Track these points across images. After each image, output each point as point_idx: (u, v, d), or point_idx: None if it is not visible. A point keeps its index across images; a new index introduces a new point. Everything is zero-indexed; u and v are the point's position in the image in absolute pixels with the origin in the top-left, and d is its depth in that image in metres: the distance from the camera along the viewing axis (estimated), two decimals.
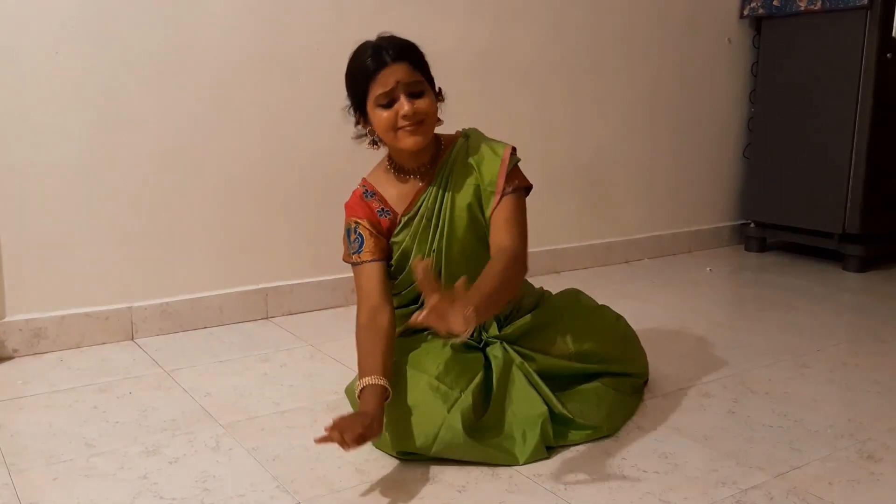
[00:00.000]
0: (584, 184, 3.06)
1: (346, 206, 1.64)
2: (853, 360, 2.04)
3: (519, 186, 1.59)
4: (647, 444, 1.53)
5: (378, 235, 1.60)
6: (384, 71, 1.47)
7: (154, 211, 2.16)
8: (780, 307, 2.56)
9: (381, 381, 1.41)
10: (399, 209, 1.62)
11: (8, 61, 1.92)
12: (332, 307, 2.48)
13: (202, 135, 2.21)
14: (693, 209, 3.44)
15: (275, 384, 1.84)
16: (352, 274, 2.53)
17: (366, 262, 1.59)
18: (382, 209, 1.62)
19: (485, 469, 1.42)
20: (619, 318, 1.87)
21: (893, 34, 2.93)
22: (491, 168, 1.59)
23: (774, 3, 3.22)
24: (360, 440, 1.28)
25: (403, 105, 1.48)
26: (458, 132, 1.68)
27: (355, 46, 1.55)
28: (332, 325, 2.33)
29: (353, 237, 1.61)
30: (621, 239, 3.20)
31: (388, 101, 1.49)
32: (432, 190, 1.60)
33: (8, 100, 1.93)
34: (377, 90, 1.48)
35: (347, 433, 1.27)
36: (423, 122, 1.51)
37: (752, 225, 3.46)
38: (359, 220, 1.60)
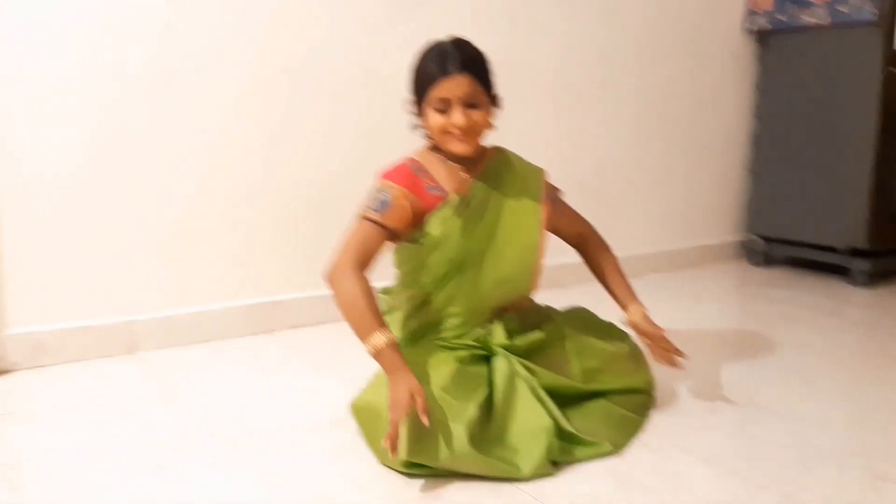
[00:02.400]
0: (589, 199, 3.04)
1: (385, 174, 1.63)
2: (862, 377, 2.02)
3: (558, 192, 1.83)
4: (653, 464, 1.51)
5: (405, 210, 1.59)
6: (445, 80, 1.55)
7: (156, 223, 2.16)
8: (786, 323, 2.54)
9: (390, 334, 1.48)
10: (449, 188, 1.64)
11: (8, 75, 1.92)
12: (335, 321, 2.46)
13: (203, 149, 2.20)
14: (698, 224, 3.43)
15: (277, 399, 1.83)
16: None
17: (378, 224, 1.56)
18: (432, 185, 1.63)
19: (487, 489, 1.40)
20: (625, 335, 1.85)
21: None
22: (537, 184, 1.74)
23: (779, 17, 3.22)
24: (425, 411, 1.38)
25: (457, 116, 1.56)
26: (490, 146, 1.76)
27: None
28: (336, 339, 2.31)
29: (380, 197, 1.59)
30: (626, 254, 3.15)
31: (444, 108, 1.57)
32: (482, 185, 1.66)
33: (7, 114, 1.93)
34: (435, 95, 1.56)
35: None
36: (474, 132, 1.59)
37: (758, 239, 3.44)
38: (394, 185, 1.59)
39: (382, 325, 1.48)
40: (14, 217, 1.96)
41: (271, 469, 1.47)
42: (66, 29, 1.97)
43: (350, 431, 1.63)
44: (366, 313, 1.48)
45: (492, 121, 1.65)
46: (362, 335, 1.49)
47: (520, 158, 1.77)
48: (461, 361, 1.59)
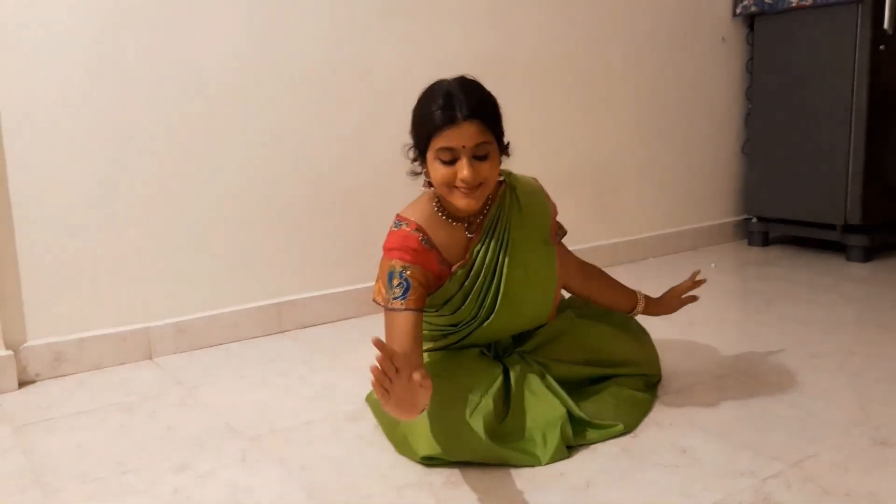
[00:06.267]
0: (587, 186, 3.09)
1: (393, 246, 1.52)
2: (862, 349, 2.07)
3: (563, 233, 1.73)
4: (664, 440, 1.56)
5: (424, 286, 1.51)
6: (452, 129, 1.40)
7: (167, 230, 2.20)
8: (786, 300, 2.59)
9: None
10: (451, 259, 1.55)
11: (22, 92, 1.96)
12: (345, 318, 2.52)
13: (211, 153, 2.25)
14: (695, 206, 3.48)
15: (295, 396, 1.87)
16: (361, 285, 2.57)
17: (408, 310, 1.47)
18: (442, 259, 1.54)
19: (507, 470, 1.45)
20: (630, 319, 1.89)
21: (885, 26, 2.97)
22: (545, 222, 1.64)
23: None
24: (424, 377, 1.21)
25: (464, 169, 1.41)
26: (500, 180, 1.62)
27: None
28: (347, 336, 2.36)
29: (396, 281, 1.48)
30: (625, 239, 3.23)
31: (451, 159, 1.43)
32: (488, 244, 1.56)
33: (23, 128, 1.97)
34: (441, 144, 1.42)
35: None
36: (481, 185, 1.45)
37: (754, 220, 3.49)
38: (408, 266, 1.48)
39: None
40: (29, 231, 2.01)
41: (295, 463, 1.51)
42: (74, 43, 2.01)
43: (368, 423, 1.68)
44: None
45: (499, 172, 1.53)
46: None
47: (527, 190, 1.64)
48: (474, 356, 1.63)
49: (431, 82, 1.50)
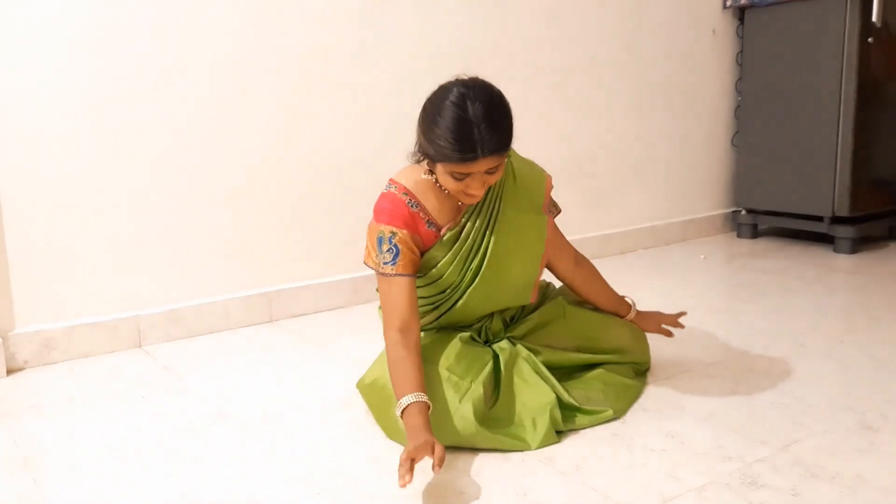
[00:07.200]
0: (578, 177, 3.10)
1: (382, 211, 1.54)
2: (849, 337, 2.09)
3: (557, 212, 1.72)
4: (653, 425, 1.57)
5: (414, 251, 1.54)
6: (471, 163, 1.40)
7: (158, 218, 2.19)
8: (774, 290, 2.61)
9: (423, 398, 1.39)
10: (441, 222, 1.57)
11: (12, 76, 1.95)
12: (334, 308, 2.52)
13: (204, 142, 2.24)
14: (685, 198, 3.49)
15: (286, 383, 1.87)
16: (351, 275, 2.57)
17: (399, 275, 1.52)
18: (429, 221, 1.56)
19: (497, 454, 1.46)
20: None
21: (874, 19, 2.99)
22: (539, 193, 1.64)
23: None
24: (440, 463, 1.28)
25: (476, 189, 1.44)
26: None
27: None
28: (337, 325, 2.36)
29: (386, 247, 1.52)
30: (616, 230, 3.24)
31: (462, 177, 1.44)
32: (479, 209, 1.58)
33: (12, 112, 1.96)
34: (455, 169, 1.42)
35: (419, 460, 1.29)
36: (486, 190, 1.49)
37: (744, 212, 3.51)
38: (396, 231, 1.52)
39: (414, 389, 1.40)
40: (17, 218, 2.00)
41: (286, 448, 1.52)
42: (63, 27, 2.00)
43: (359, 410, 1.68)
44: (399, 379, 1.43)
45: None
46: (396, 397, 1.43)
47: (523, 163, 1.66)
48: (464, 341, 1.64)
49: (441, 84, 1.46)
